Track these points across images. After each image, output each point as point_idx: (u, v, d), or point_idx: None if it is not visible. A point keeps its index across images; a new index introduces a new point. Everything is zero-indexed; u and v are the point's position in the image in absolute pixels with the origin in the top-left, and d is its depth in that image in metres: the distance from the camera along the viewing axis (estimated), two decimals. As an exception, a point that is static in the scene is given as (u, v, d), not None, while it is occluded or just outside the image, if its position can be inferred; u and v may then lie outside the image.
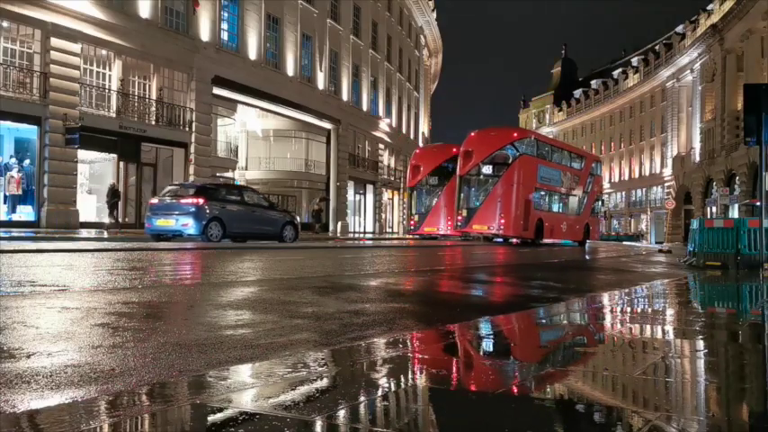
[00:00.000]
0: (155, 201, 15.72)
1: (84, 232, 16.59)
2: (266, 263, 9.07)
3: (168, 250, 11.46)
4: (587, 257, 16.61)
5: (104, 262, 7.82)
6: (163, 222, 14.71)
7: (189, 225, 14.40)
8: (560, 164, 26.92)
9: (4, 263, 6.88)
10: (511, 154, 23.63)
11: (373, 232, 39.36)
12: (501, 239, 24.90)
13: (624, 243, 47.02)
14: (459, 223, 24.54)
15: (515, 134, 25.03)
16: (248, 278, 6.53)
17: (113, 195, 19.26)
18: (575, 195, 28.12)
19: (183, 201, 14.82)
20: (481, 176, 24.02)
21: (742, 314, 4.98)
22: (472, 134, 25.61)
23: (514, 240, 24.38)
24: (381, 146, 41.72)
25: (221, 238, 14.92)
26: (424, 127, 56.35)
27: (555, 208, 26.58)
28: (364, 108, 38.64)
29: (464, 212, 24.28)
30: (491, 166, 23.75)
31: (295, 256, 11.39)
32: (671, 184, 54.28)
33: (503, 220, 23.02)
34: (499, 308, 4.86)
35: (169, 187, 16.63)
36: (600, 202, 31.95)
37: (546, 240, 25.70)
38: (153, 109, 22.47)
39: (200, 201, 14.75)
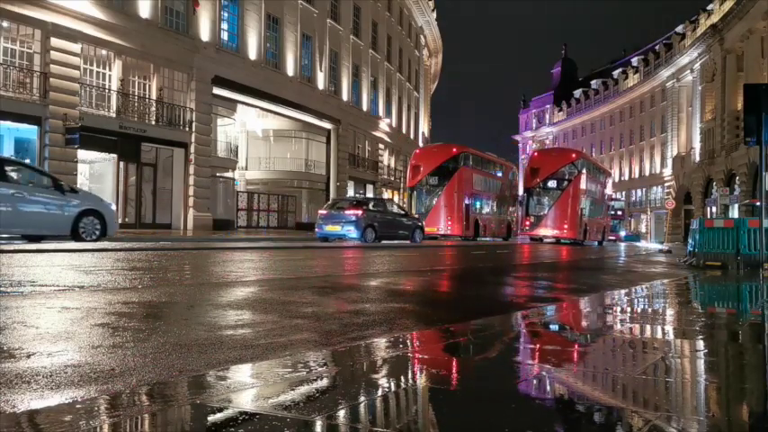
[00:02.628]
0: (324, 212, 19.67)
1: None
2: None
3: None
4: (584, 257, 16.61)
5: (104, 262, 7.82)
6: (331, 228, 18.70)
7: (352, 230, 18.41)
8: (488, 173, 31.92)
9: (4, 263, 6.88)
10: (452, 167, 28.06)
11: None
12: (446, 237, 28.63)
13: (623, 243, 47.42)
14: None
15: (455, 150, 28.96)
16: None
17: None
18: (500, 199, 33.25)
19: (346, 212, 18.86)
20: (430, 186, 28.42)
21: (742, 314, 4.98)
22: (418, 151, 31.40)
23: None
24: (381, 146, 41.72)
25: (373, 240, 18.69)
26: (424, 127, 56.35)
27: (486, 210, 31.59)
28: (364, 108, 38.65)
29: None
30: (437, 177, 28.11)
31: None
32: (671, 184, 54.28)
33: (449, 222, 27.46)
34: (499, 308, 4.86)
35: (333, 201, 21.63)
36: (519, 204, 37.20)
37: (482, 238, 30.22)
38: (153, 109, 22.47)
39: (360, 212, 18.74)
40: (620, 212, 51.61)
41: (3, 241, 11.47)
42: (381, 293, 5.46)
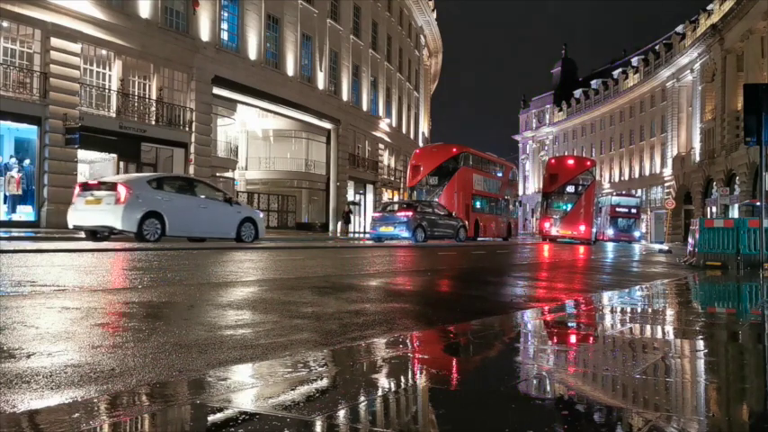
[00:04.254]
0: (377, 214, 21.63)
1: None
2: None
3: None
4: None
5: (104, 262, 7.82)
6: (384, 229, 20.51)
7: (404, 231, 19.96)
8: (488, 173, 32.17)
9: (4, 263, 6.88)
10: (452, 167, 28.48)
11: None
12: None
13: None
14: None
15: (455, 150, 29.25)
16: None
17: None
18: (500, 199, 33.60)
19: (398, 214, 20.55)
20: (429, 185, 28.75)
21: (742, 314, 4.98)
22: (418, 151, 31.83)
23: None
24: (381, 146, 41.71)
25: (423, 240, 20.22)
26: (424, 127, 56.34)
27: (486, 210, 31.92)
28: (364, 108, 38.64)
29: None
30: (437, 177, 28.44)
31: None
32: (671, 184, 54.26)
33: None
34: (499, 308, 4.86)
35: (385, 204, 24.38)
36: (518, 204, 38.81)
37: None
38: (153, 109, 22.47)
39: (411, 214, 20.24)
40: (633, 210, 46.86)
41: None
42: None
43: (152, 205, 12.26)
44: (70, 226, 12.77)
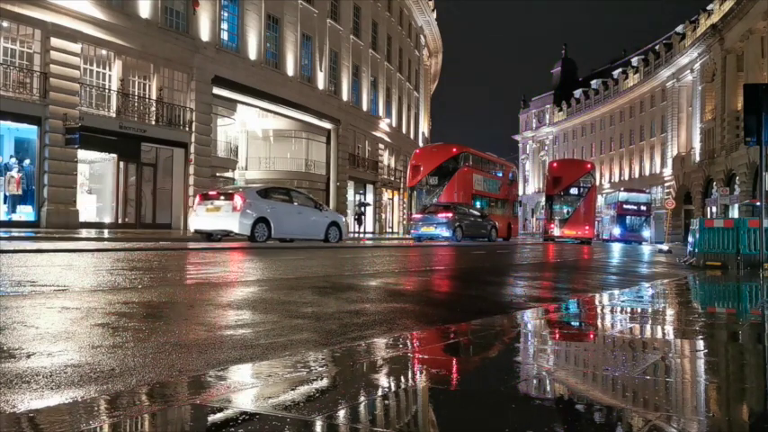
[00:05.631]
0: (419, 216, 23.49)
1: (83, 232, 16.58)
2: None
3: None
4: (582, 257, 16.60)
5: (104, 262, 7.82)
6: (426, 229, 22.32)
7: (444, 231, 21.70)
8: (488, 173, 32.42)
9: (4, 263, 6.88)
10: (452, 167, 28.69)
11: (373, 232, 39.37)
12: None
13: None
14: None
15: (455, 150, 29.50)
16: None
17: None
18: (500, 199, 33.73)
19: (439, 215, 22.32)
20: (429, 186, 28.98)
21: (742, 314, 4.98)
22: (418, 151, 32.28)
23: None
24: (381, 146, 41.71)
25: (461, 239, 22.05)
26: (424, 127, 56.34)
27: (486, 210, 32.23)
28: (364, 108, 38.64)
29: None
30: (437, 177, 28.68)
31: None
32: (671, 184, 54.25)
33: None
34: (499, 307, 4.86)
35: (424, 207, 25.57)
36: (518, 204, 39.48)
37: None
38: (153, 109, 22.47)
39: (451, 215, 22.10)
40: (643, 208, 42.86)
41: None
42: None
43: (261, 212, 14.35)
44: (191, 230, 15.36)
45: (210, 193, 15.31)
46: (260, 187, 16.02)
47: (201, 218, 14.63)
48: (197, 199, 15.34)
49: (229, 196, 14.32)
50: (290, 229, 15.32)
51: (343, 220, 17.38)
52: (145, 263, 7.72)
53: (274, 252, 11.67)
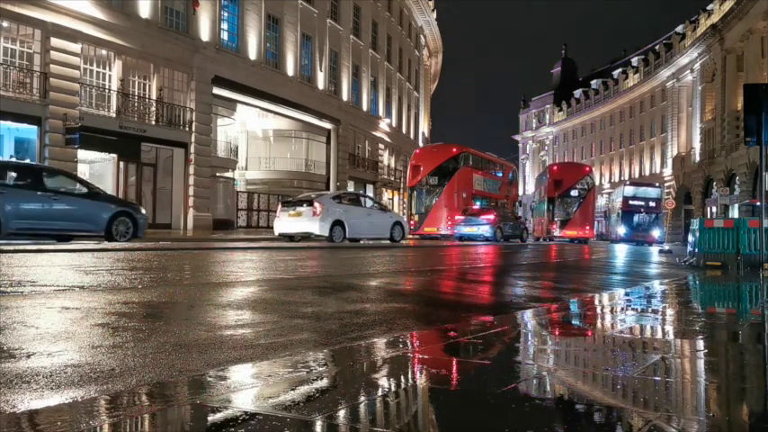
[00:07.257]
0: (461, 217, 25.12)
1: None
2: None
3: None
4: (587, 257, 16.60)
5: (104, 262, 7.82)
6: (468, 230, 24.14)
7: (487, 231, 23.60)
8: (488, 173, 32.85)
9: (3, 263, 6.88)
10: (452, 167, 28.96)
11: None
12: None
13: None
14: (412, 227, 28.50)
15: (455, 150, 29.75)
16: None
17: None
18: (500, 199, 33.99)
19: (482, 216, 24.22)
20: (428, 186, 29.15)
21: (742, 314, 4.98)
22: (418, 151, 32.62)
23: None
24: (381, 146, 41.71)
25: (501, 239, 23.86)
26: (424, 127, 56.34)
27: None
28: (364, 108, 38.64)
29: (415, 218, 29.18)
30: (437, 177, 28.80)
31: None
32: (671, 184, 54.25)
33: (449, 222, 28.02)
34: (499, 307, 4.86)
35: (465, 209, 26.41)
36: (518, 204, 40.37)
37: None
38: (153, 109, 22.48)
39: (493, 216, 24.08)
40: (652, 204, 37.83)
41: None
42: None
43: (337, 216, 16.06)
44: (276, 234, 16.77)
45: (292, 200, 17.19)
46: (335, 193, 18.28)
47: (284, 222, 16.33)
48: (279, 205, 17.45)
49: (309, 203, 16.02)
50: (361, 230, 16.91)
51: (405, 219, 19.21)
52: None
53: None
